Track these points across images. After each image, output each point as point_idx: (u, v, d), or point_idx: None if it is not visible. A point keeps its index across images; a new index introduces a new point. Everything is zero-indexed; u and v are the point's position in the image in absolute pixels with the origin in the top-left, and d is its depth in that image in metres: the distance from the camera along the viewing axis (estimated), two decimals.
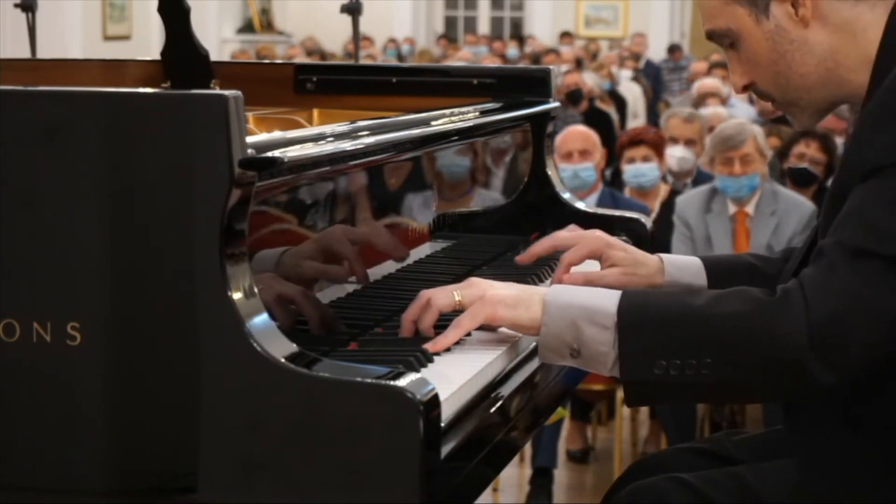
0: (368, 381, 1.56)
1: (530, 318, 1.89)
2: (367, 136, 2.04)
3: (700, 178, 6.03)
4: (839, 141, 6.08)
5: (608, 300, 1.86)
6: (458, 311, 1.92)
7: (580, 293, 1.91)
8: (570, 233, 2.29)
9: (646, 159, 5.63)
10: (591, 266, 2.24)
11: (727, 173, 5.01)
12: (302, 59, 13.49)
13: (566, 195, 2.81)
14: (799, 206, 5.06)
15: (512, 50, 16.95)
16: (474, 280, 1.97)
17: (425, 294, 1.95)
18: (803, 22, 1.95)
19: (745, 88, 2.04)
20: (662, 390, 1.84)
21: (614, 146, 7.31)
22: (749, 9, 1.96)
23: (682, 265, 2.24)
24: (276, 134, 1.81)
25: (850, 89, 1.97)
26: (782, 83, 1.99)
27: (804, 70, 1.96)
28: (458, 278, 2.37)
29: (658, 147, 5.73)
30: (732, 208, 5.05)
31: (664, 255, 2.25)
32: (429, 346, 1.86)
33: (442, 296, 1.93)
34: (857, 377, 1.83)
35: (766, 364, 1.81)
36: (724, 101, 8.83)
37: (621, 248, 2.22)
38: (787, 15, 1.95)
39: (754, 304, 1.82)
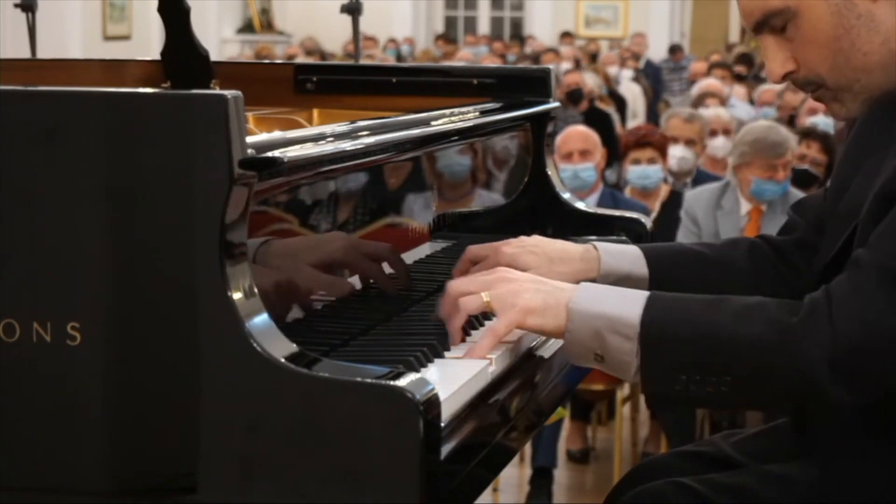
0: (368, 381, 1.56)
1: (556, 325, 1.87)
2: (367, 136, 2.04)
3: (700, 177, 6.03)
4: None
5: (632, 309, 1.83)
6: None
7: (605, 300, 1.87)
8: (478, 247, 2.18)
9: (651, 161, 5.64)
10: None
11: (767, 178, 5.00)
12: (302, 59, 13.49)
13: (566, 195, 2.81)
14: None
15: (510, 56, 16.91)
16: (503, 276, 1.92)
17: (454, 290, 1.92)
18: None
19: (785, 77, 1.94)
20: (683, 400, 1.85)
21: (614, 146, 7.31)
22: None
23: (619, 253, 2.18)
24: (276, 134, 1.81)
25: None
26: (840, 63, 1.88)
27: (868, 48, 1.87)
28: None
29: (662, 149, 5.74)
30: (746, 206, 5.06)
31: (599, 244, 2.18)
32: (469, 355, 1.86)
33: (471, 300, 1.90)
34: (877, 399, 1.81)
35: (785, 386, 1.80)
36: (724, 102, 8.83)
37: (531, 250, 2.14)
38: None
39: (775, 326, 1.79)
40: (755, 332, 1.79)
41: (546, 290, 1.90)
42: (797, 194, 5.15)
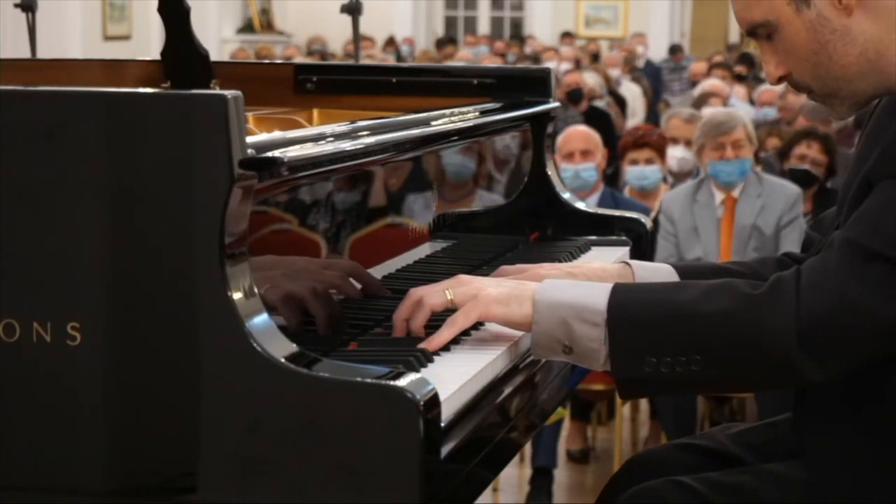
0: (368, 381, 1.56)
1: (522, 315, 1.90)
2: (367, 136, 2.04)
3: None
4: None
5: (598, 296, 1.86)
6: (450, 309, 1.92)
7: (570, 290, 1.90)
8: (512, 267, 2.17)
9: (649, 162, 5.66)
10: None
11: (718, 158, 5.06)
12: (301, 59, 13.48)
13: (566, 195, 2.81)
14: (784, 188, 5.10)
15: (510, 56, 16.88)
16: (464, 278, 1.96)
17: (416, 293, 1.94)
18: (846, 11, 1.89)
19: (780, 80, 1.98)
20: (654, 385, 1.86)
21: (614, 146, 7.31)
22: None
23: (652, 269, 2.19)
24: (276, 134, 1.81)
25: (891, 81, 1.92)
26: (821, 74, 1.93)
27: (845, 61, 1.91)
28: None
29: (661, 149, 5.76)
30: (720, 195, 5.08)
31: (633, 262, 2.20)
32: (424, 345, 1.86)
33: (434, 295, 1.92)
34: (851, 374, 1.84)
35: (755, 360, 1.82)
36: (724, 102, 8.83)
37: (569, 271, 2.14)
38: (830, 3, 1.89)
39: (741, 300, 1.82)
40: (720, 306, 1.82)
41: (510, 284, 1.94)
42: (771, 178, 5.17)
